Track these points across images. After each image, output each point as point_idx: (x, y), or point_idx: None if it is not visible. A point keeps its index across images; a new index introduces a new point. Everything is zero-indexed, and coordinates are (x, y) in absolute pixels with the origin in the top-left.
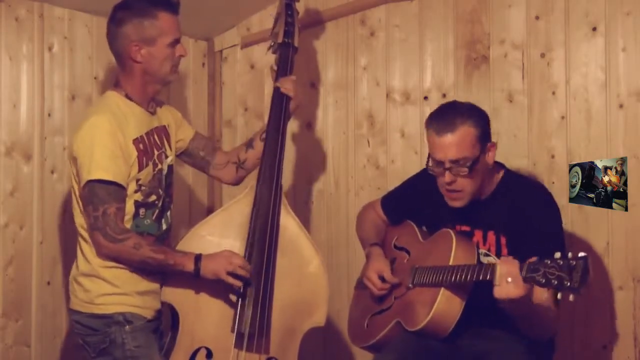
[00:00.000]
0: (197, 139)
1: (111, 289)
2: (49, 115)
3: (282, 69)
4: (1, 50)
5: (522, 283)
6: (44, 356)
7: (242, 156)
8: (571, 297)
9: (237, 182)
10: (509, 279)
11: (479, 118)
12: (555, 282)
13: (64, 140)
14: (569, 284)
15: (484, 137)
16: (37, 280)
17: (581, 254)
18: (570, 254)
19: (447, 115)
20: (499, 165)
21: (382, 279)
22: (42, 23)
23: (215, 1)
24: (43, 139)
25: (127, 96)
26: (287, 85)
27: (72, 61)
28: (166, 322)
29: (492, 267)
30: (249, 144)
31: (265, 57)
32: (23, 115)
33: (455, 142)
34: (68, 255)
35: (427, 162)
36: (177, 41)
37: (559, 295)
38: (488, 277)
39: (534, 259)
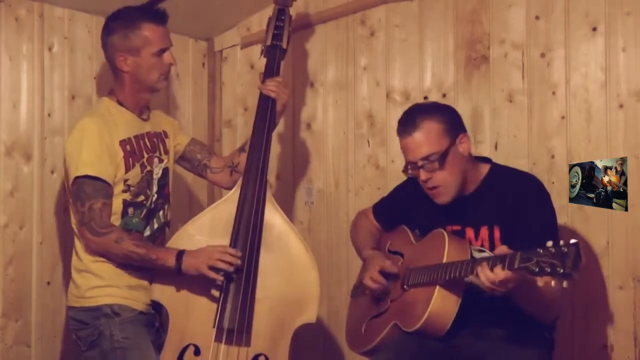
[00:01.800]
0: (193, 143)
1: (99, 282)
2: (49, 115)
3: (269, 70)
4: (1, 50)
5: (510, 274)
6: (44, 356)
7: (236, 159)
8: (564, 284)
9: (232, 186)
10: (495, 282)
11: (442, 112)
12: (549, 270)
13: (64, 140)
14: (561, 270)
15: (453, 129)
16: (37, 280)
17: (572, 241)
18: (562, 242)
19: (408, 116)
20: (484, 160)
21: (385, 276)
22: (42, 23)
23: (215, 1)
24: (43, 139)
25: (119, 102)
26: (270, 87)
27: (72, 61)
28: (166, 320)
29: (470, 279)
30: (241, 148)
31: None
32: (23, 115)
33: (420, 139)
34: (68, 255)
35: (404, 168)
36: (163, 50)
37: (552, 283)
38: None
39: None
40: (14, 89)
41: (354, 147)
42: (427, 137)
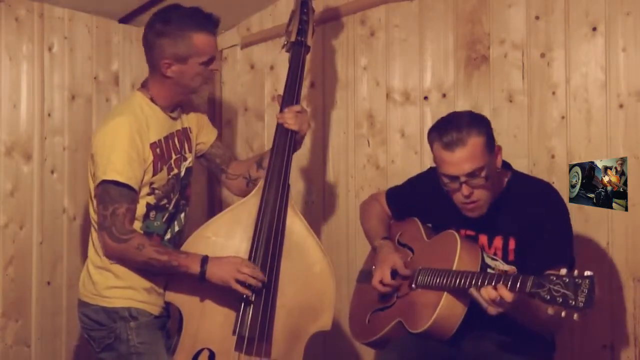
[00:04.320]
0: (216, 146)
1: (118, 282)
2: (49, 115)
3: (293, 70)
4: (1, 50)
5: (513, 298)
6: (44, 356)
7: (253, 174)
8: (575, 317)
9: (245, 195)
10: (497, 300)
11: (483, 124)
12: (560, 300)
13: (64, 140)
14: (573, 303)
15: (490, 143)
16: (37, 280)
17: (587, 273)
18: (576, 272)
19: (453, 128)
20: (505, 166)
21: (394, 273)
22: (42, 23)
23: (215, 1)
24: (43, 139)
25: (152, 99)
26: (288, 119)
27: (72, 61)
28: (173, 322)
29: (471, 292)
30: (259, 163)
31: (265, 57)
32: (23, 115)
33: (468, 155)
34: (68, 255)
35: (440, 179)
36: (211, 60)
37: (563, 314)
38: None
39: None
40: (14, 89)
41: (354, 147)
42: (473, 153)
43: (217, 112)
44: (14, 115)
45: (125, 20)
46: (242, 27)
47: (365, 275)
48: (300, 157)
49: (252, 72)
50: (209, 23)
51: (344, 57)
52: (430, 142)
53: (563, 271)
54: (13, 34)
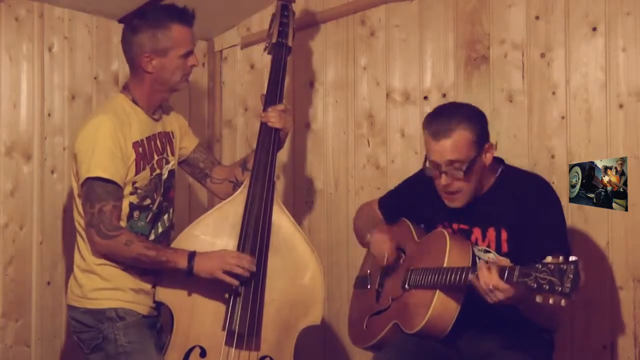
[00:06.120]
0: (199, 150)
1: (104, 284)
2: (49, 115)
3: (275, 71)
4: (1, 50)
5: (508, 286)
6: (44, 356)
7: (239, 177)
8: (563, 302)
9: None
10: (491, 287)
11: (475, 121)
12: (547, 287)
13: (64, 140)
14: (560, 289)
15: (481, 139)
16: (37, 280)
17: (572, 258)
18: (561, 258)
19: (443, 118)
20: (497, 161)
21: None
22: (42, 23)
23: (215, 1)
24: (43, 139)
25: (134, 100)
26: (272, 117)
27: (72, 61)
28: (166, 320)
29: (470, 279)
30: (244, 166)
31: (265, 57)
32: (23, 115)
33: (450, 146)
34: (68, 255)
35: (424, 162)
36: (189, 53)
37: (551, 301)
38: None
39: (516, 267)
40: (14, 89)
41: (354, 147)
42: (457, 145)
43: (217, 112)
44: (14, 115)
45: (125, 20)
46: (242, 27)
47: (362, 281)
48: (301, 157)
49: (252, 72)
50: (185, 15)
51: (344, 57)
52: (423, 127)
53: (549, 258)
54: (13, 34)
